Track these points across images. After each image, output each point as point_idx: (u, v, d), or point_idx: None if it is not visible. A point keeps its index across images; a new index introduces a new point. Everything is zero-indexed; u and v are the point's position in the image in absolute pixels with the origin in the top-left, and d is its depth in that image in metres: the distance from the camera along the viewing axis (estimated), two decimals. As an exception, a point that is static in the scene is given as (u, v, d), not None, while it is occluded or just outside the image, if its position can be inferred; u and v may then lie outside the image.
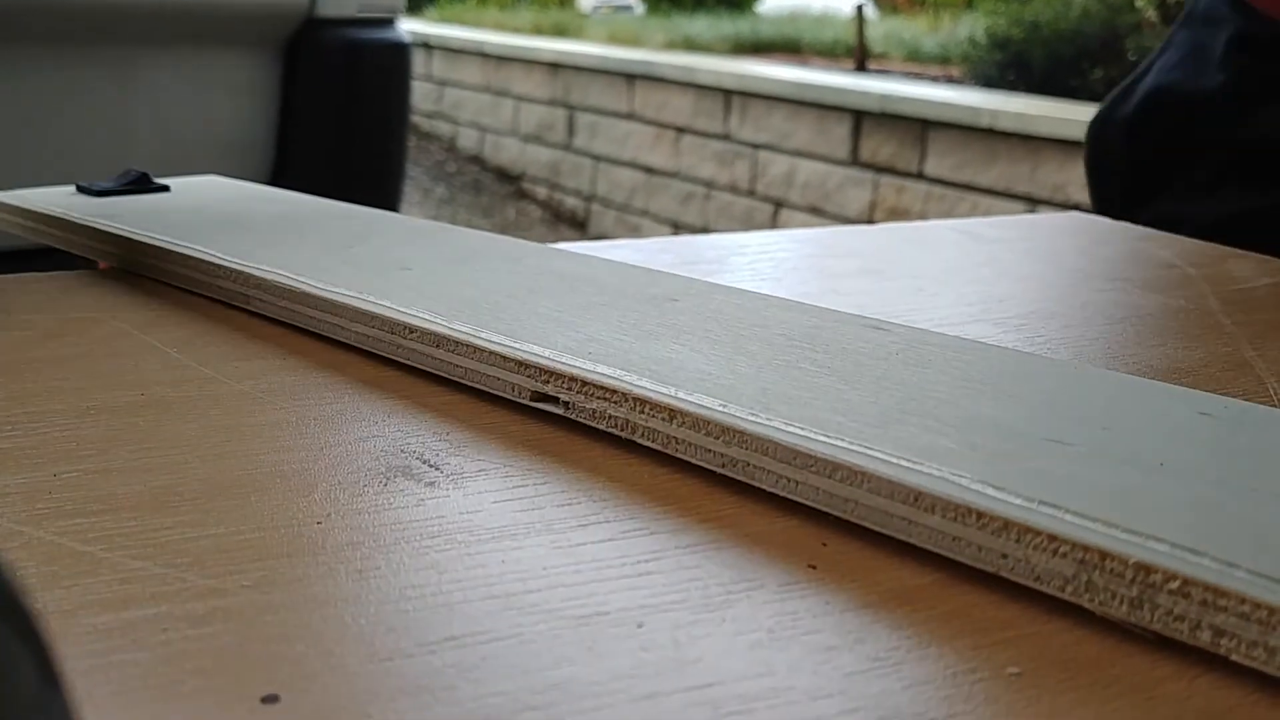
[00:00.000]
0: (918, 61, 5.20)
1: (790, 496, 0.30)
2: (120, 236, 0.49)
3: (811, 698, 0.23)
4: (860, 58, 5.07)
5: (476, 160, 5.27)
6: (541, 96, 4.86)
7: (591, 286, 0.43)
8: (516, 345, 0.36)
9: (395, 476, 0.32)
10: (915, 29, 5.93)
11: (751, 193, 3.93)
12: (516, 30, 6.09)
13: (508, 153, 5.10)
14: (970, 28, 5.01)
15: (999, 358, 0.37)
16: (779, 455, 0.30)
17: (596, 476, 0.32)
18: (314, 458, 0.33)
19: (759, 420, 0.31)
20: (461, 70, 5.38)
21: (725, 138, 4.00)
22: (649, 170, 4.32)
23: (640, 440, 0.33)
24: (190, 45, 2.02)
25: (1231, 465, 0.29)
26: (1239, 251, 0.64)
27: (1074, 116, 3.10)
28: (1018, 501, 0.27)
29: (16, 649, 0.14)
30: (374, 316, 0.40)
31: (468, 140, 5.35)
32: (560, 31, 5.96)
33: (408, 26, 2.41)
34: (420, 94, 5.27)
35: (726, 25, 5.95)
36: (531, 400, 0.35)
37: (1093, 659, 0.24)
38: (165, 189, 0.58)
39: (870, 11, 6.31)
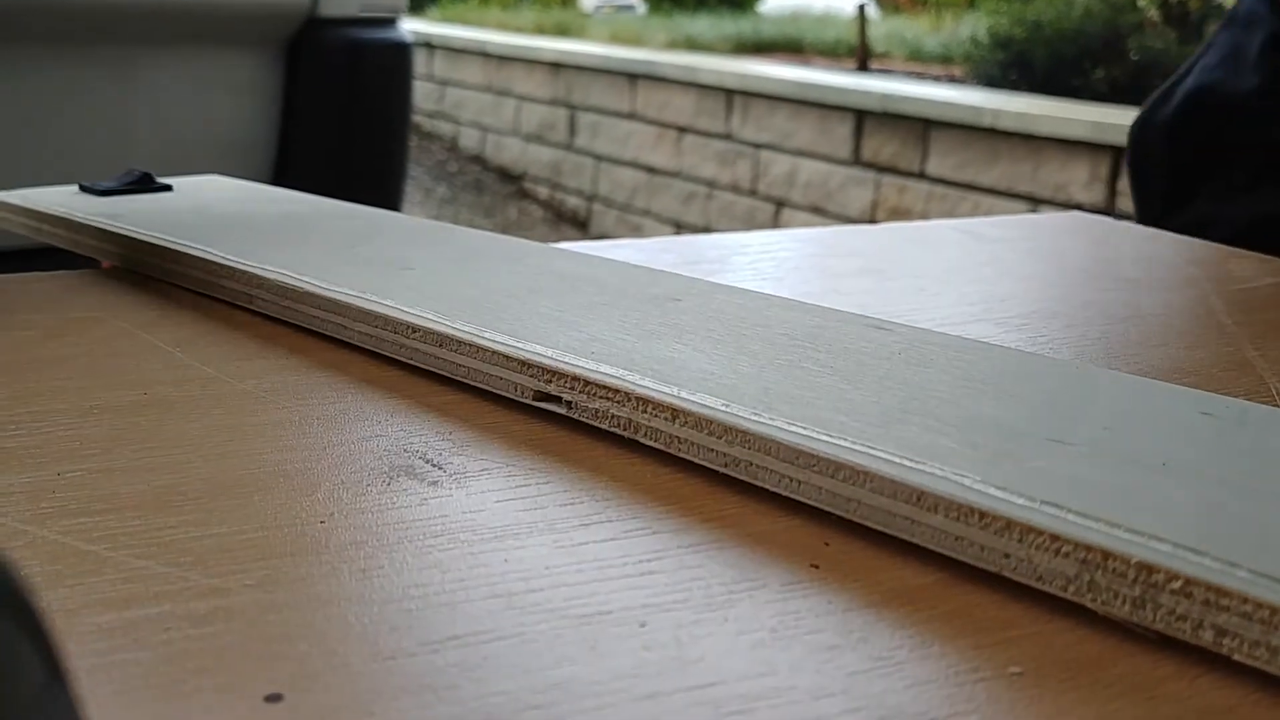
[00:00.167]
0: (920, 61, 5.20)
1: (793, 496, 0.30)
2: (123, 236, 0.49)
3: (814, 697, 0.23)
4: (862, 57, 5.07)
5: (478, 160, 5.27)
6: (543, 96, 4.86)
7: (594, 286, 0.43)
8: (519, 345, 0.36)
9: (398, 476, 0.32)
10: (917, 29, 5.93)
11: (753, 192, 3.92)
12: (518, 30, 6.09)
13: (509, 152, 5.10)
14: (972, 27, 5.01)
15: (1001, 357, 0.37)
16: (781, 455, 0.30)
17: (599, 476, 0.32)
18: (317, 457, 0.33)
19: (761, 420, 0.31)
20: (463, 70, 5.38)
21: (727, 137, 4.00)
22: (651, 170, 4.32)
23: (643, 440, 0.33)
24: (192, 45, 2.02)
25: (1233, 465, 0.29)
26: (1241, 251, 0.64)
27: (1076, 116, 3.10)
28: (1020, 501, 0.27)
29: (22, 646, 0.14)
30: (377, 316, 0.40)
31: (469, 140, 5.35)
32: (562, 31, 5.96)
33: (409, 26, 2.42)
34: (422, 94, 5.27)
35: (728, 25, 5.96)
36: (534, 400, 0.36)
37: (1095, 659, 0.24)
38: (168, 189, 0.58)
39: (872, 11, 6.31)
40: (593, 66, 4.56)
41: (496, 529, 0.29)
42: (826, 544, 0.29)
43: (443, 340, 0.38)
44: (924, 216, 3.33)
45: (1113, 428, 0.31)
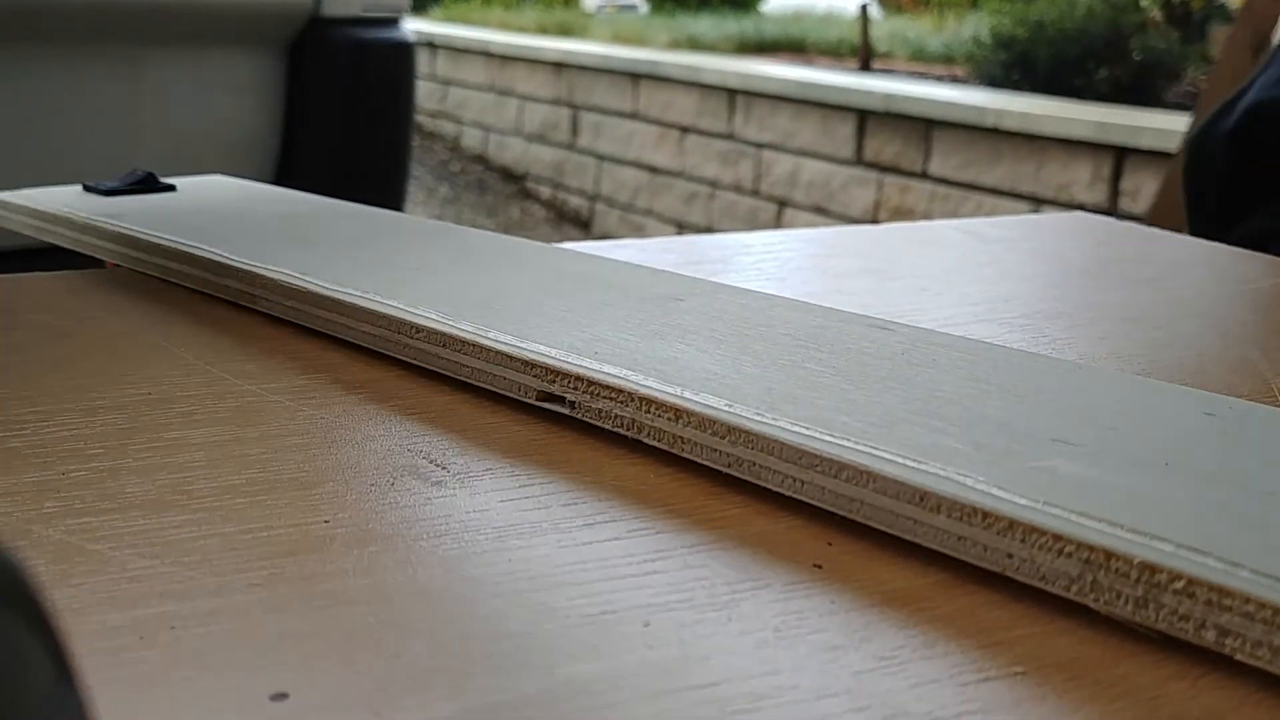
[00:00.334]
0: (922, 61, 5.20)
1: (796, 496, 0.30)
2: (127, 236, 0.49)
3: (817, 696, 0.23)
4: (865, 57, 5.06)
5: (481, 160, 5.27)
6: (546, 96, 4.86)
7: (597, 286, 0.43)
8: (523, 345, 0.36)
9: (402, 476, 0.32)
10: (920, 28, 5.93)
11: (756, 192, 3.92)
12: (521, 30, 6.09)
13: (512, 152, 5.10)
14: (975, 27, 5.01)
15: (1004, 358, 0.37)
16: (784, 455, 0.30)
17: (603, 476, 0.32)
18: (321, 457, 0.33)
19: (764, 420, 0.31)
20: (466, 70, 5.38)
21: (729, 137, 4.00)
22: (653, 170, 4.32)
23: (646, 440, 0.33)
24: (195, 45, 2.02)
25: (1236, 465, 0.29)
26: (1245, 252, 0.64)
27: (1079, 116, 3.10)
28: (1023, 501, 0.27)
29: (31, 644, 0.14)
30: (380, 316, 0.40)
31: (472, 140, 5.36)
32: (564, 31, 5.96)
33: (412, 26, 2.42)
34: (424, 93, 5.27)
35: (731, 25, 5.95)
36: (538, 400, 0.36)
37: (1097, 658, 0.24)
38: (172, 188, 0.59)
39: (875, 11, 6.30)
40: (595, 66, 4.56)
41: (500, 529, 0.29)
42: (829, 544, 0.29)
43: (446, 340, 0.38)
44: (927, 217, 3.33)
45: (1116, 428, 0.31)
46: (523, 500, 0.30)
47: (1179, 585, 0.24)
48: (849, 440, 0.30)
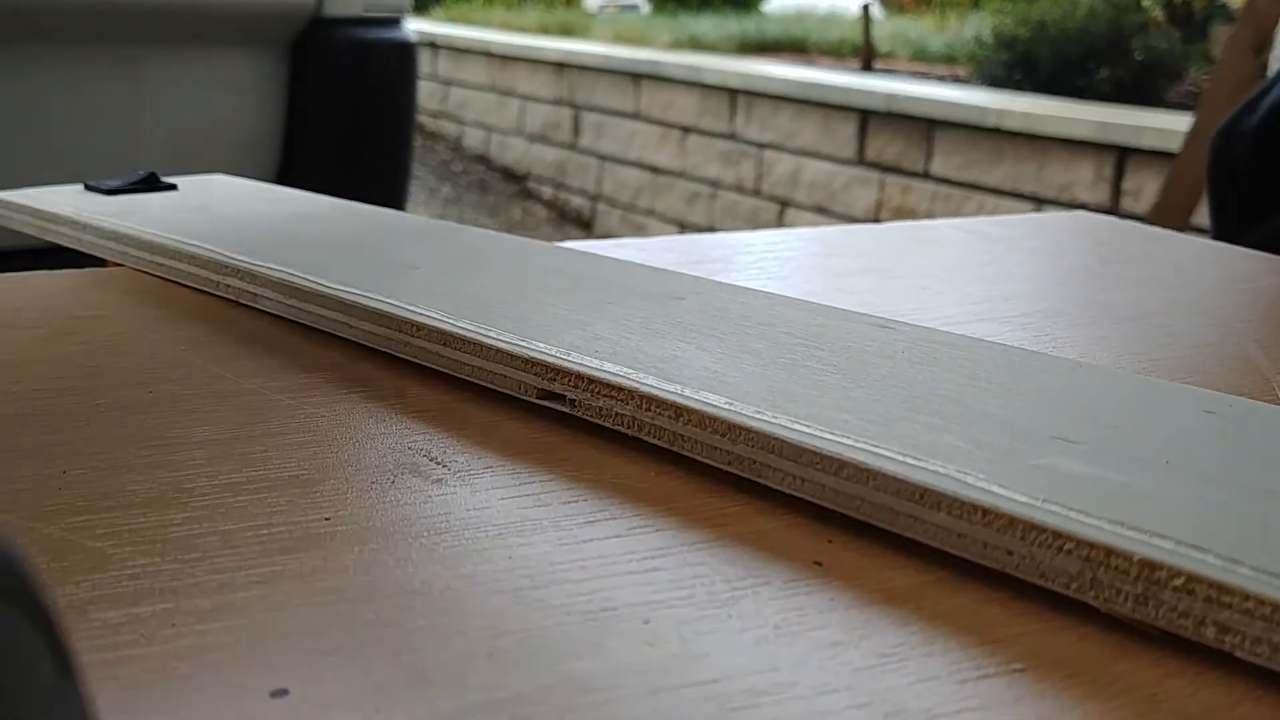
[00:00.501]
0: (924, 61, 5.20)
1: (796, 494, 0.30)
2: (129, 235, 0.50)
3: (817, 693, 0.23)
4: (866, 57, 5.06)
5: (482, 160, 5.27)
6: (547, 96, 4.86)
7: (598, 285, 0.43)
8: (524, 343, 0.36)
9: (403, 473, 0.32)
10: (921, 28, 5.93)
11: (757, 192, 3.92)
12: (522, 29, 6.09)
13: (513, 152, 5.10)
14: (977, 27, 5.01)
15: (1004, 356, 0.37)
16: (785, 453, 0.30)
17: (603, 474, 0.32)
18: (322, 455, 0.33)
19: (765, 418, 0.31)
20: (467, 70, 5.38)
21: (731, 137, 4.00)
22: (654, 170, 4.32)
23: (647, 438, 0.33)
24: (197, 45, 2.02)
25: (1237, 464, 0.29)
26: (1246, 250, 0.64)
27: (1081, 116, 3.10)
28: (1023, 499, 0.27)
29: (33, 641, 0.14)
30: (381, 315, 0.40)
31: (473, 140, 5.36)
32: (566, 31, 5.96)
33: (414, 26, 2.42)
34: (426, 93, 5.27)
35: (732, 25, 5.95)
36: (538, 398, 0.36)
37: (1097, 655, 0.24)
38: (173, 188, 0.59)
39: (876, 11, 6.30)
40: (597, 66, 4.56)
41: (501, 526, 0.29)
42: (830, 541, 0.29)
43: (447, 339, 0.38)
44: (928, 216, 3.33)
45: (1116, 426, 0.31)
46: (523, 498, 0.30)
47: (1179, 582, 0.24)
48: (849, 438, 0.30)
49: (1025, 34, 4.42)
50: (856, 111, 3.59)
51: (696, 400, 0.32)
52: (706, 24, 6.02)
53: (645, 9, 8.13)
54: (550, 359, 0.35)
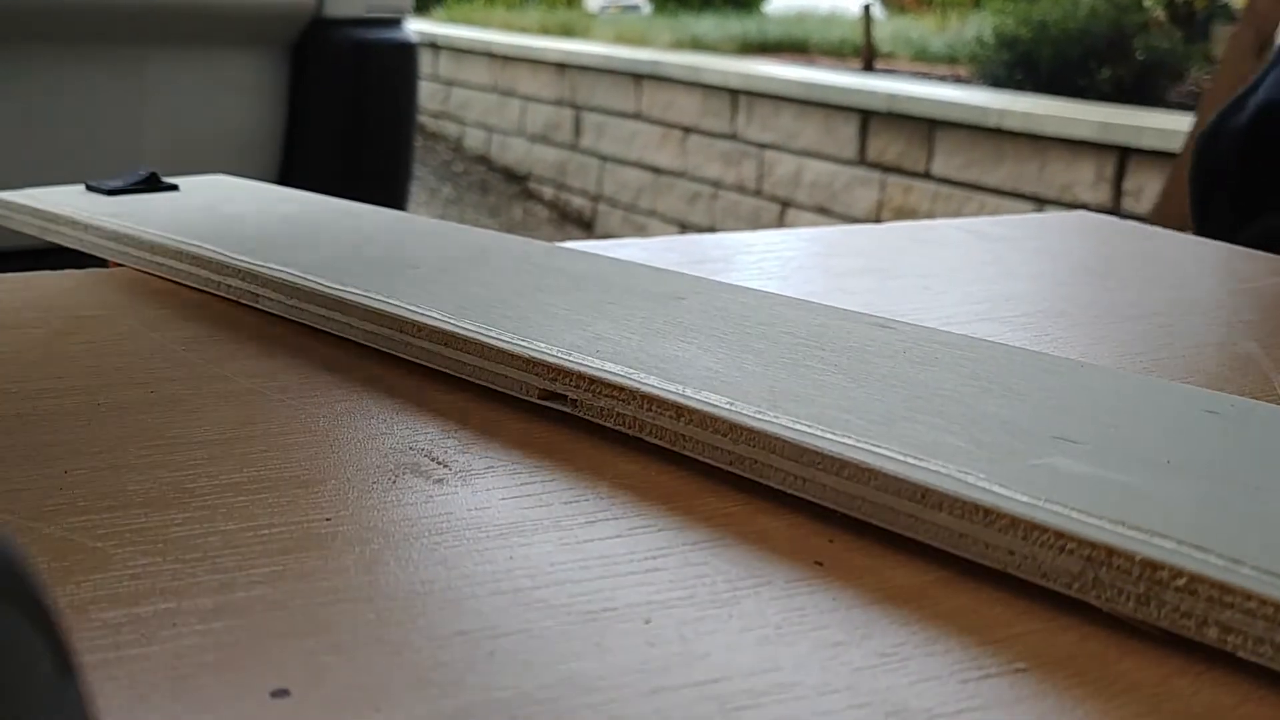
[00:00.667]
0: (925, 61, 5.20)
1: (797, 494, 0.30)
2: (130, 235, 0.49)
3: (819, 693, 0.23)
4: (867, 57, 5.06)
5: (483, 160, 5.27)
6: (548, 96, 4.86)
7: (599, 285, 0.43)
8: (525, 343, 0.36)
9: (404, 473, 0.32)
10: (923, 29, 5.93)
11: (758, 192, 3.92)
12: (523, 30, 6.09)
13: (514, 152, 5.10)
14: (978, 27, 5.00)
15: (1006, 356, 0.37)
16: (786, 452, 0.30)
17: (604, 474, 0.32)
18: (323, 455, 0.33)
19: (766, 418, 0.31)
20: (468, 70, 5.39)
21: (732, 137, 4.00)
22: (656, 170, 4.32)
23: (648, 438, 0.33)
24: (198, 45, 2.03)
25: (1238, 463, 0.29)
26: (1247, 250, 0.64)
27: (1082, 116, 3.10)
28: (1024, 499, 0.27)
29: (33, 641, 0.14)
30: (382, 315, 0.40)
31: (474, 140, 5.36)
32: (567, 31, 5.96)
33: (415, 26, 2.42)
34: (427, 94, 5.27)
35: (733, 25, 5.95)
36: (540, 398, 0.36)
37: (1099, 656, 0.24)
38: (174, 188, 0.59)
39: (877, 11, 6.30)
40: (598, 67, 4.57)
41: (502, 526, 0.29)
42: (831, 541, 0.29)
43: (448, 339, 0.38)
44: (929, 216, 3.33)
45: (1117, 426, 0.31)
46: (524, 498, 0.30)
47: (1181, 582, 0.24)
48: (850, 438, 0.30)
49: (1026, 34, 4.42)
50: (858, 112, 3.59)
51: (698, 400, 0.32)
52: (707, 24, 6.02)
53: (646, 9, 8.13)
54: (551, 359, 0.35)
